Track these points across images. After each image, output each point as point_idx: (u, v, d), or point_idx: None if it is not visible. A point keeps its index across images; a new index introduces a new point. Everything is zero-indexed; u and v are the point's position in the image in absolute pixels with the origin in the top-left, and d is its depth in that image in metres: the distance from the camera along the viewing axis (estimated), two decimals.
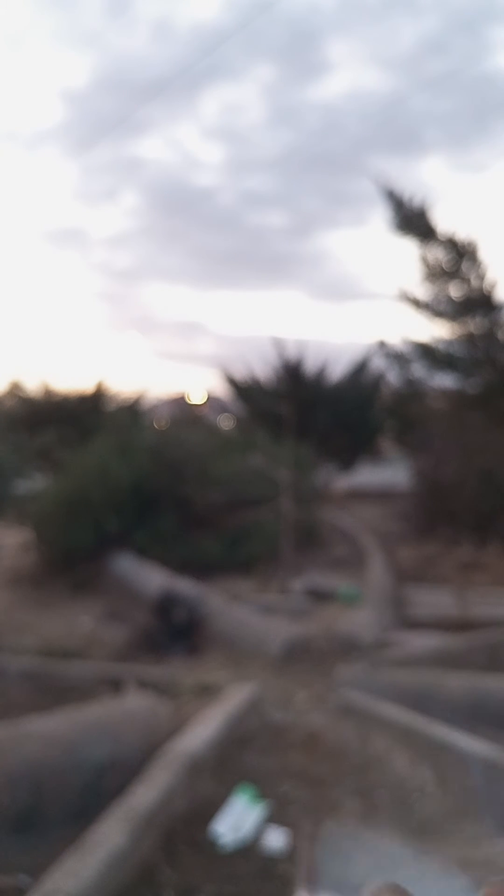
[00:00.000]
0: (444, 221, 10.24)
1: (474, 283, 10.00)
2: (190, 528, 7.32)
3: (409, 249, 10.59)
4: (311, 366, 14.26)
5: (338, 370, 14.46)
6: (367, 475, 14.23)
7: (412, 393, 11.08)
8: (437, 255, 10.12)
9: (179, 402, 20.92)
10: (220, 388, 15.95)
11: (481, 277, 10.00)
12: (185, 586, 5.28)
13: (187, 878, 2.09)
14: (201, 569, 6.38)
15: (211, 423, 14.43)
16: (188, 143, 39.51)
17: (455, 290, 10.13)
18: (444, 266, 10.09)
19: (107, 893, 1.91)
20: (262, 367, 14.61)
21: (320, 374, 14.33)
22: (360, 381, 14.41)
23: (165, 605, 4.93)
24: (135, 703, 3.08)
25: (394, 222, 10.39)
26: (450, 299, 10.17)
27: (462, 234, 10.07)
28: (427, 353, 10.60)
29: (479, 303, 9.96)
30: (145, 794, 2.29)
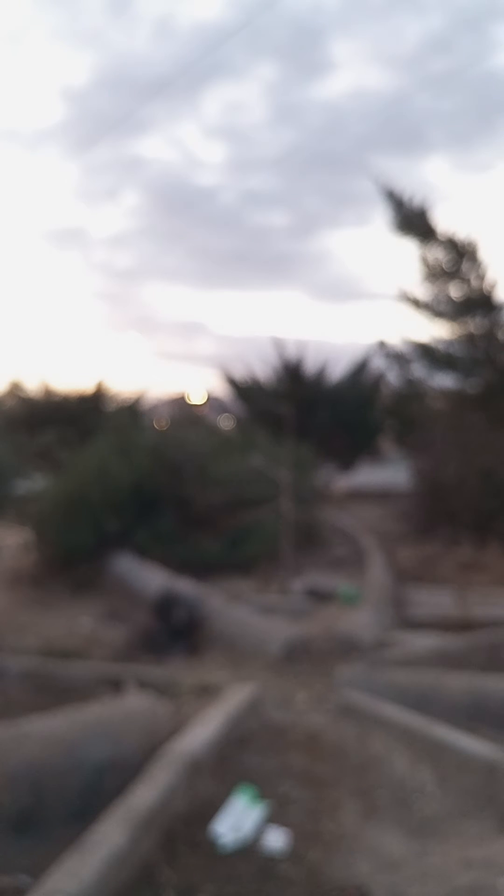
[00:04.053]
0: (446, 221, 10.27)
1: (474, 283, 10.00)
2: (190, 528, 7.32)
3: (409, 250, 10.59)
4: (311, 366, 14.29)
5: (338, 370, 14.50)
6: (367, 475, 14.24)
7: (412, 393, 11.08)
8: (438, 255, 10.13)
9: (179, 402, 20.93)
10: (220, 388, 15.97)
11: (481, 277, 10.00)
12: (185, 586, 5.28)
13: (187, 878, 2.09)
14: (201, 569, 6.38)
15: (211, 423, 14.43)
16: (189, 143, 39.48)
17: (455, 290, 10.13)
18: (444, 266, 10.09)
19: (107, 893, 1.91)
20: (262, 368, 14.65)
21: (320, 375, 14.35)
22: (360, 381, 14.43)
23: (165, 606, 4.93)
24: (135, 703, 3.08)
25: (394, 222, 10.40)
26: (450, 299, 10.17)
27: (462, 234, 10.08)
28: (427, 353, 10.61)
29: (479, 303, 9.97)
30: (145, 794, 2.29)
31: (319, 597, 5.80)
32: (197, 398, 21.64)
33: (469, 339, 10.14)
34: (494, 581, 6.36)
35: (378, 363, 13.31)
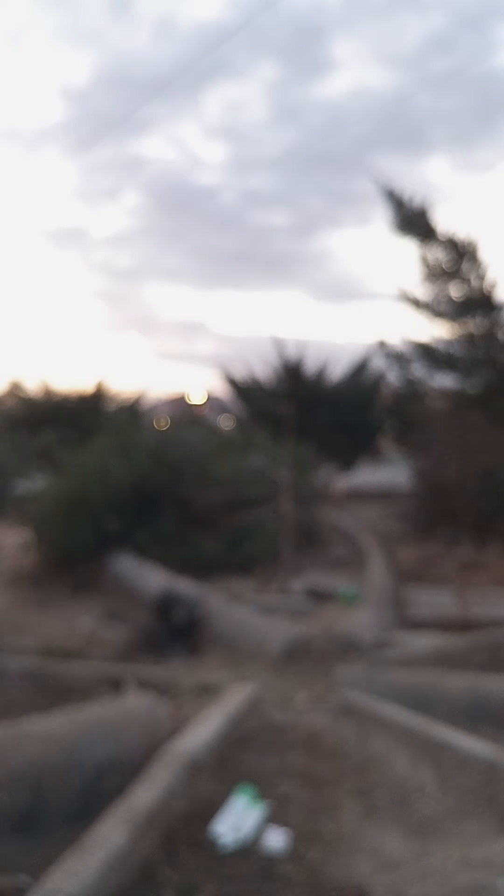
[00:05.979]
0: (447, 221, 10.26)
1: (474, 283, 10.01)
2: (190, 528, 7.32)
3: (409, 250, 10.58)
4: (311, 366, 14.29)
5: (338, 370, 14.51)
6: (367, 475, 14.24)
7: (412, 393, 11.08)
8: (438, 255, 10.13)
9: (179, 402, 20.95)
10: (220, 388, 15.99)
11: (481, 277, 10.01)
12: (185, 586, 5.28)
13: (187, 878, 2.09)
14: (201, 569, 6.38)
15: (211, 423, 14.43)
16: (190, 142, 39.49)
17: (455, 290, 10.13)
18: (444, 266, 10.10)
19: (107, 893, 1.91)
20: (262, 367, 14.65)
21: (320, 375, 14.35)
22: (361, 381, 14.43)
23: (165, 605, 4.93)
24: (135, 703, 3.08)
25: (394, 222, 10.41)
26: (450, 299, 10.17)
27: (463, 234, 10.09)
28: (427, 353, 10.61)
29: (479, 303, 9.97)
30: (145, 794, 2.29)
31: (319, 597, 5.80)
32: (197, 398, 21.67)
33: (469, 339, 10.15)
34: (494, 581, 6.36)
35: (378, 363, 13.33)
